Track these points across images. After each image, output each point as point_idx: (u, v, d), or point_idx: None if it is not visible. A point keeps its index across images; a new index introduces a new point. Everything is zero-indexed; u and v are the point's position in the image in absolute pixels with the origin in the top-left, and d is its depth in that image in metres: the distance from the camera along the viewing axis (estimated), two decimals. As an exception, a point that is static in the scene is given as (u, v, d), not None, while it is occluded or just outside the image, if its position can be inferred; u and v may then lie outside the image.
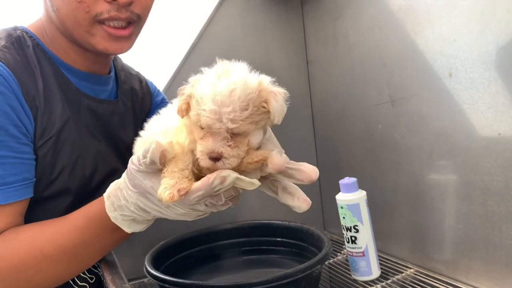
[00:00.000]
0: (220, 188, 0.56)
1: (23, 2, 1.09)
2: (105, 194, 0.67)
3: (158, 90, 1.06)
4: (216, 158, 0.54)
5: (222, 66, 0.55)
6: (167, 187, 0.55)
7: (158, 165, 0.57)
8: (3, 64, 0.70)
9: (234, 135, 0.54)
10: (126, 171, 0.64)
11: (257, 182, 0.57)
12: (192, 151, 0.58)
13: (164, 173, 0.57)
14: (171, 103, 0.66)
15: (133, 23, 0.77)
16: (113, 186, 0.67)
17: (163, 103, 1.04)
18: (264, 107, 0.54)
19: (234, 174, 0.54)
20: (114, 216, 0.65)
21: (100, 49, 0.76)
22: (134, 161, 0.60)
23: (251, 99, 0.53)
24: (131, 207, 0.64)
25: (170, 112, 0.63)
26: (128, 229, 0.67)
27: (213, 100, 0.51)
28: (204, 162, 0.55)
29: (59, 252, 0.68)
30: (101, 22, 0.73)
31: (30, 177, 0.71)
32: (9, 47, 0.74)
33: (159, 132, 0.61)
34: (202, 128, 0.54)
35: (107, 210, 0.66)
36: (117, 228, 0.67)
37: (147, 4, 0.78)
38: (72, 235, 0.69)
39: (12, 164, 0.68)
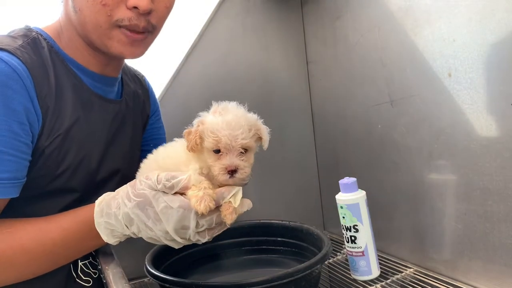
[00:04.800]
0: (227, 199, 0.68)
1: (38, 5, 1.10)
2: (97, 201, 0.73)
3: (156, 99, 1.09)
4: (233, 170, 0.68)
5: (221, 105, 0.71)
6: (198, 201, 0.66)
7: (173, 191, 0.68)
8: (21, 62, 0.71)
9: (244, 152, 0.69)
10: (130, 183, 0.72)
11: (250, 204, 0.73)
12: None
13: (190, 188, 0.68)
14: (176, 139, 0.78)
15: (147, 33, 0.79)
16: (106, 196, 0.73)
17: (157, 113, 1.08)
18: (258, 135, 0.72)
19: (239, 188, 0.70)
20: (99, 222, 0.71)
21: (115, 52, 0.78)
22: (151, 178, 0.68)
23: (252, 125, 0.70)
24: (119, 216, 0.70)
25: (174, 146, 0.77)
26: (105, 238, 0.73)
27: (228, 126, 0.67)
28: (223, 177, 0.68)
29: (39, 249, 0.71)
30: (120, 27, 0.76)
31: (20, 177, 0.71)
32: (26, 46, 0.75)
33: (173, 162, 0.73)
34: (216, 151, 0.68)
35: (95, 215, 0.71)
36: (97, 236, 0.73)
37: (164, 15, 0.80)
38: (55, 235, 0.72)
39: (8, 161, 0.68)
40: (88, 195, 0.81)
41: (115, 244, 0.74)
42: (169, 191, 0.68)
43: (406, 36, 0.96)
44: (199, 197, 0.65)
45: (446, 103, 0.88)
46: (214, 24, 1.22)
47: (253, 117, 0.72)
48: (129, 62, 1.04)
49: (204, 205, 0.65)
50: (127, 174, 0.87)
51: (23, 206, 0.76)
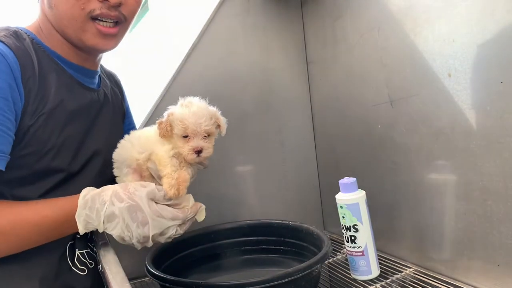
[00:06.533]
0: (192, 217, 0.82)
1: (16, 6, 1.12)
2: (81, 193, 0.77)
3: (127, 99, 1.12)
4: (199, 151, 0.83)
5: (186, 99, 0.86)
6: (172, 183, 0.79)
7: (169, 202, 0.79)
8: (6, 46, 0.76)
9: (207, 136, 0.85)
10: (119, 185, 0.79)
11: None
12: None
13: (165, 175, 0.80)
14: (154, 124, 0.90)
15: (120, 23, 0.85)
16: (92, 191, 0.78)
17: (130, 113, 1.11)
18: (217, 123, 0.87)
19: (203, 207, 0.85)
20: (80, 214, 0.76)
21: (89, 44, 0.84)
22: (152, 188, 0.77)
23: (212, 115, 0.85)
24: (101, 211, 0.75)
25: (150, 129, 0.89)
26: (81, 228, 0.76)
27: (194, 116, 0.83)
28: (191, 156, 0.83)
29: (14, 232, 0.74)
30: (94, 19, 0.82)
31: (5, 151, 0.73)
32: (9, 36, 0.79)
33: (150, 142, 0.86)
34: (185, 137, 0.83)
35: (79, 206, 0.76)
36: (73, 226, 0.76)
37: (134, 8, 0.87)
38: (32, 219, 0.75)
39: None
40: (73, 176, 0.86)
41: (82, 233, 0.78)
42: (165, 202, 0.78)
43: (406, 36, 0.96)
44: (172, 184, 0.79)
45: (445, 103, 0.88)
46: (214, 24, 1.22)
47: (213, 109, 0.87)
48: (128, 58, 1.04)
49: (176, 190, 0.79)
50: (108, 156, 0.91)
51: (13, 189, 0.79)
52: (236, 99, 1.25)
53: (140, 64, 1.15)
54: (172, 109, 0.86)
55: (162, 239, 0.79)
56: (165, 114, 0.86)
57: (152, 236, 0.76)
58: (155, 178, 0.85)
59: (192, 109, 0.84)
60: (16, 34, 0.81)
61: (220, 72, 1.23)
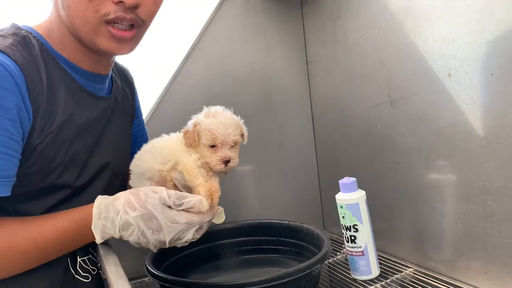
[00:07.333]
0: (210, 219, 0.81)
1: (29, 3, 1.10)
2: (95, 204, 0.77)
3: (138, 97, 1.09)
4: (228, 161, 0.84)
5: (211, 109, 0.87)
6: (208, 194, 0.80)
7: (181, 208, 0.76)
8: (13, 61, 0.71)
9: (233, 146, 0.85)
10: (131, 191, 0.77)
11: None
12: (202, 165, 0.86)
13: (197, 185, 0.81)
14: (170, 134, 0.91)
15: (137, 27, 0.80)
16: (105, 201, 0.77)
17: (139, 113, 1.09)
18: (241, 132, 0.88)
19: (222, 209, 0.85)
20: (96, 224, 0.75)
21: (103, 48, 0.79)
22: (161, 194, 0.75)
23: (237, 125, 0.86)
24: (116, 221, 0.74)
25: (171, 137, 0.89)
26: (98, 238, 0.76)
27: (222, 126, 0.83)
28: (219, 166, 0.84)
29: (33, 248, 0.73)
30: (108, 22, 0.76)
31: (11, 175, 0.71)
32: (16, 45, 0.75)
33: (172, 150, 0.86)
34: (212, 147, 0.83)
35: (93, 217, 0.75)
36: (90, 236, 0.76)
37: (152, 10, 0.81)
38: (50, 234, 0.74)
39: (1, 159, 0.68)
40: (79, 191, 0.83)
41: (99, 243, 0.77)
42: (176, 208, 0.76)
43: (406, 36, 0.96)
44: (207, 195, 0.80)
45: (445, 103, 0.88)
46: (214, 24, 1.22)
47: (237, 118, 0.88)
48: (119, 59, 1.03)
49: (208, 203, 0.79)
50: (117, 168, 0.90)
51: (16, 205, 0.76)
52: (236, 99, 1.25)
53: (140, 64, 1.15)
54: (197, 118, 0.85)
55: (179, 244, 0.79)
56: (190, 123, 0.85)
57: (170, 241, 0.76)
58: (180, 188, 0.85)
59: (220, 119, 0.84)
60: (24, 41, 0.77)
61: (220, 72, 1.23)
